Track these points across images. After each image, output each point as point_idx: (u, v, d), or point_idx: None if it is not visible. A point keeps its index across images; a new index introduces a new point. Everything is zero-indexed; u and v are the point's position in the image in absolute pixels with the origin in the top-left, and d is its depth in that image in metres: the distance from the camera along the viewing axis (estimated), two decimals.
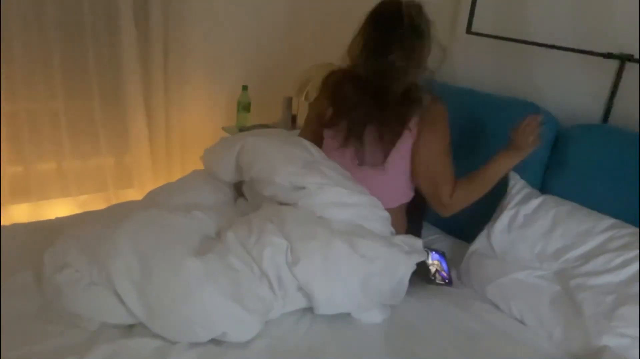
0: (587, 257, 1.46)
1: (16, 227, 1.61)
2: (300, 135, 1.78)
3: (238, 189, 1.72)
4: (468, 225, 1.76)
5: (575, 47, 1.75)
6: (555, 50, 1.80)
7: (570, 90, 1.82)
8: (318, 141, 1.69)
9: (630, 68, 1.66)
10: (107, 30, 2.36)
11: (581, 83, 1.79)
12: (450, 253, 1.79)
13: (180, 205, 1.49)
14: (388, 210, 1.56)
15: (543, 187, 1.74)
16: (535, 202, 1.62)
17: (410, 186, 1.66)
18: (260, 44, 2.83)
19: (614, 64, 1.69)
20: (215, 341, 1.21)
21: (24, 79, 2.23)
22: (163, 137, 2.67)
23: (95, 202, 2.54)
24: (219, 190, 1.66)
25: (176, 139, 2.71)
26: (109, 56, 2.40)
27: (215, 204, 1.60)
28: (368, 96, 1.54)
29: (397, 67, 1.49)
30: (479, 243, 1.65)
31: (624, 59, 1.66)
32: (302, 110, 2.59)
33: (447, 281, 1.60)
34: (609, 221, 1.51)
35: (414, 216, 1.75)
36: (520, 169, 1.73)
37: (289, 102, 2.64)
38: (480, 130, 1.81)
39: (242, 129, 2.59)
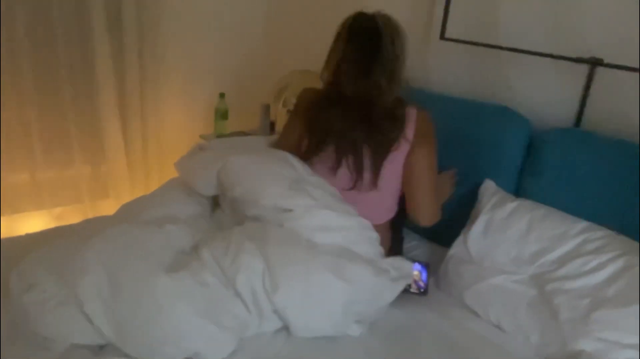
0: (562, 261, 1.46)
1: None
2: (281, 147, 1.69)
3: (216, 198, 1.68)
4: (447, 230, 1.76)
5: (547, 51, 1.77)
6: (527, 55, 1.81)
7: (543, 94, 1.83)
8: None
9: (601, 72, 1.68)
10: (80, 37, 2.32)
11: (554, 88, 1.81)
12: (430, 259, 1.80)
13: (154, 218, 1.46)
14: (376, 226, 1.53)
15: (518, 191, 1.75)
16: (510, 206, 1.62)
17: (397, 201, 1.65)
18: (237, 51, 2.82)
19: (584, 69, 1.71)
20: None
21: None
22: (139, 145, 2.63)
23: (70, 214, 2.50)
24: (195, 201, 1.62)
25: (153, 148, 2.68)
26: (81, 63, 2.36)
27: (192, 216, 1.56)
28: (353, 120, 1.49)
29: (380, 87, 1.47)
30: (456, 248, 1.65)
31: (594, 63, 1.67)
32: (280, 117, 2.57)
33: (422, 290, 1.59)
34: (582, 224, 1.52)
35: (396, 226, 1.74)
36: (495, 173, 1.74)
37: (267, 108, 2.62)
38: (455, 135, 1.81)
39: (220, 137, 2.57)
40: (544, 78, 1.82)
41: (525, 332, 1.41)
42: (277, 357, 1.25)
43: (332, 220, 1.43)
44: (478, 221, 1.63)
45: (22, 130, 2.30)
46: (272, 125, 2.66)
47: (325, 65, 1.54)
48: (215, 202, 1.68)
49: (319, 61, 1.57)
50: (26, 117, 2.29)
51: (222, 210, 1.61)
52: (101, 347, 1.20)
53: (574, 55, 1.71)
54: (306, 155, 1.58)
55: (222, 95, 2.60)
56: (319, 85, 1.60)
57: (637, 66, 1.59)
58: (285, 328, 1.30)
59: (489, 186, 1.72)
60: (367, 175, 1.52)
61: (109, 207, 2.57)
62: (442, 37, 2.05)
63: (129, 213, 1.55)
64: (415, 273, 1.61)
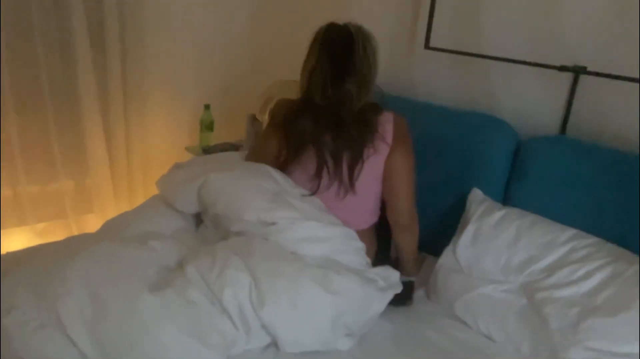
0: (551, 269, 1.46)
1: None
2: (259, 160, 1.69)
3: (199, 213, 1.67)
4: (435, 240, 1.76)
5: (531, 60, 1.77)
6: (512, 64, 1.82)
7: (529, 103, 1.84)
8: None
9: (584, 80, 1.69)
10: (61, 50, 2.28)
11: (538, 96, 1.82)
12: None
13: (138, 235, 1.44)
14: (360, 231, 1.54)
15: (505, 199, 1.75)
16: (497, 215, 1.62)
17: (378, 204, 1.65)
18: (221, 61, 2.80)
19: (568, 77, 1.72)
20: None
21: None
22: (124, 158, 2.59)
23: (54, 230, 2.45)
24: (179, 216, 1.60)
25: (137, 161, 2.64)
26: (63, 76, 2.31)
27: (176, 231, 1.54)
28: (324, 126, 1.51)
29: (351, 95, 1.49)
30: (445, 257, 1.64)
31: (578, 71, 1.69)
32: None
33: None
34: (570, 231, 1.52)
35: (382, 233, 1.73)
36: (482, 182, 1.75)
37: (252, 119, 2.60)
38: (441, 144, 1.82)
39: (205, 149, 2.55)
40: (528, 86, 1.83)
41: (516, 342, 1.41)
42: None
43: (316, 230, 1.42)
44: (466, 230, 1.63)
45: (3, 145, 2.25)
46: (263, 132, 2.64)
47: (301, 72, 1.56)
48: (199, 216, 1.66)
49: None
50: (7, 131, 2.24)
51: (206, 225, 1.59)
52: None
53: (557, 64, 1.72)
54: (285, 164, 1.59)
55: (207, 107, 2.58)
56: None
57: (620, 74, 1.60)
58: (274, 344, 1.28)
59: (476, 195, 1.72)
60: (344, 180, 1.53)
61: (93, 222, 2.53)
62: (427, 46, 2.06)
63: (112, 230, 1.53)
64: None
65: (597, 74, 1.65)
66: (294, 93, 1.66)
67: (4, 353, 1.14)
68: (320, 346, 1.31)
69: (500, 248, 1.55)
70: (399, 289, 1.45)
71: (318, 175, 1.53)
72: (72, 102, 2.37)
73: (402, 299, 1.53)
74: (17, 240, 2.33)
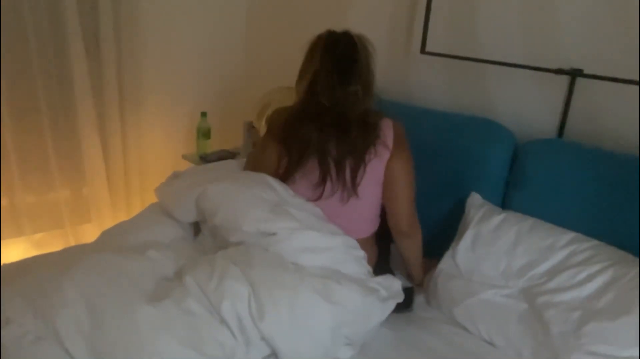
0: (552, 273, 1.46)
1: None
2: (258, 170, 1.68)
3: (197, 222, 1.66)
4: (435, 245, 1.75)
5: (527, 63, 1.78)
6: (508, 67, 1.82)
7: (526, 106, 1.84)
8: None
9: (581, 83, 1.69)
10: (57, 58, 2.28)
11: (535, 99, 1.81)
12: None
13: (135, 244, 1.43)
14: (361, 240, 1.53)
15: (505, 203, 1.75)
16: (497, 219, 1.61)
17: (378, 211, 1.65)
18: (217, 69, 2.80)
19: (565, 79, 1.72)
20: None
21: None
22: (121, 167, 2.59)
23: (51, 240, 2.44)
24: (178, 225, 1.59)
25: (134, 169, 2.63)
26: (59, 85, 2.31)
27: (174, 240, 1.53)
28: (328, 130, 1.50)
29: (357, 95, 1.50)
30: (445, 263, 1.64)
31: (574, 74, 1.68)
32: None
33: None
34: (570, 235, 1.52)
35: (382, 240, 1.73)
36: (481, 186, 1.74)
37: (250, 126, 2.60)
38: (439, 149, 1.81)
39: (202, 156, 2.54)
40: (525, 90, 1.83)
41: (517, 347, 1.40)
42: None
43: (316, 240, 1.41)
44: (465, 235, 1.62)
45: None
46: (254, 144, 2.64)
47: (299, 79, 1.57)
48: (197, 225, 1.65)
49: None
50: (4, 141, 2.24)
51: (204, 234, 1.58)
52: None
53: (554, 67, 1.72)
54: (288, 173, 1.57)
55: (203, 114, 2.57)
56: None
57: (617, 76, 1.59)
58: (274, 355, 1.27)
59: (475, 200, 1.72)
60: (348, 184, 1.52)
61: (90, 232, 2.52)
62: (423, 51, 2.06)
63: (110, 240, 1.51)
64: None
65: (594, 77, 1.65)
66: (290, 100, 1.66)
67: None
68: (320, 356, 1.29)
69: (499, 252, 1.55)
70: (400, 298, 1.45)
71: (322, 182, 1.53)
72: (68, 112, 2.36)
73: (402, 306, 1.52)
74: (14, 251, 2.33)
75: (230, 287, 1.22)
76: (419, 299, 1.65)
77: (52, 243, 2.43)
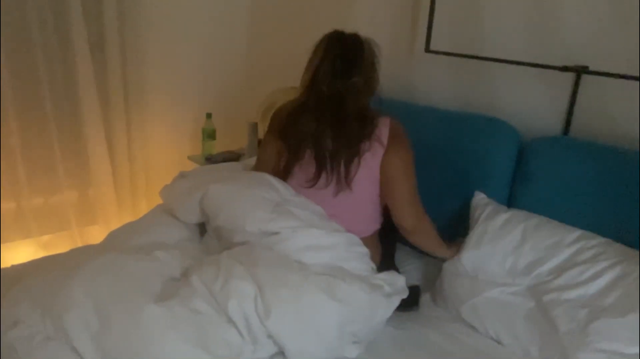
0: (559, 271, 1.45)
1: None
2: (259, 168, 1.70)
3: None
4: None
5: (533, 61, 1.77)
6: (513, 65, 1.82)
7: (531, 104, 1.83)
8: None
9: (586, 80, 1.69)
10: (62, 60, 2.29)
11: (541, 97, 1.81)
12: (424, 273, 1.79)
13: (142, 245, 1.44)
14: (363, 239, 1.53)
15: (510, 201, 1.74)
16: (502, 217, 1.61)
17: (380, 211, 1.65)
18: (222, 70, 2.81)
19: (570, 77, 1.71)
20: None
21: None
22: (127, 169, 2.60)
23: (58, 242, 2.45)
24: (183, 226, 1.60)
25: (140, 171, 2.65)
26: (64, 87, 2.33)
27: (180, 241, 1.54)
28: (325, 120, 1.52)
29: (357, 88, 1.51)
30: (451, 262, 1.63)
31: (579, 71, 1.68)
32: None
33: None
34: (577, 232, 1.51)
35: (386, 239, 1.73)
36: (486, 184, 1.74)
37: (254, 127, 2.60)
38: (444, 147, 1.81)
39: (208, 158, 2.55)
40: (530, 87, 1.82)
41: (525, 345, 1.39)
42: None
43: (319, 238, 1.42)
44: (471, 234, 1.62)
45: (6, 158, 2.26)
46: (260, 143, 2.64)
47: (303, 75, 1.58)
48: (203, 226, 1.65)
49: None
50: (10, 144, 2.25)
51: (210, 235, 1.58)
52: None
53: (559, 64, 1.71)
54: (287, 167, 1.59)
55: (208, 116, 2.58)
56: None
57: (622, 73, 1.59)
58: (281, 353, 1.27)
59: (480, 198, 1.71)
60: (341, 176, 1.53)
61: (97, 233, 2.53)
62: (427, 49, 2.05)
63: (116, 241, 1.52)
64: None
65: (599, 73, 1.64)
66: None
67: None
68: (327, 354, 1.29)
69: (506, 250, 1.54)
70: (405, 294, 1.44)
71: (318, 173, 1.53)
72: (74, 114, 2.38)
73: (408, 305, 1.52)
74: (21, 253, 2.34)
75: (236, 286, 1.23)
76: (425, 297, 1.64)
77: (59, 245, 2.44)
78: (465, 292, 1.54)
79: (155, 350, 1.11)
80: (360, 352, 1.34)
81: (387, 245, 1.74)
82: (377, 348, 1.37)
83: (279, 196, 1.51)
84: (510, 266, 1.52)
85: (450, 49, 2.00)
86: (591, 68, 1.66)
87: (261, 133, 2.63)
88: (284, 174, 1.60)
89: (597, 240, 1.48)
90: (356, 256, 1.46)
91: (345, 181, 1.53)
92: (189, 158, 2.66)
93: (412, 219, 1.59)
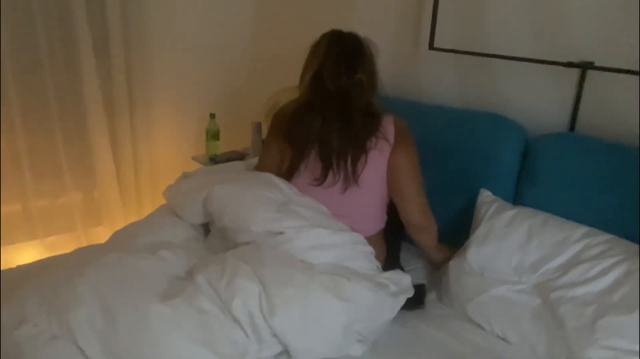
0: (565, 268, 1.44)
1: None
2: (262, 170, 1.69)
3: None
4: (447, 241, 1.75)
5: (537, 57, 1.76)
6: (518, 62, 1.81)
7: (536, 101, 1.82)
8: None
9: (592, 75, 1.68)
10: (67, 63, 2.30)
11: (546, 93, 1.80)
12: (430, 271, 1.78)
13: (147, 244, 1.44)
14: (368, 238, 1.53)
15: (517, 198, 1.73)
16: (508, 214, 1.60)
17: (384, 209, 1.65)
18: (225, 70, 2.81)
19: (575, 72, 1.70)
20: None
21: None
22: (131, 170, 2.61)
23: (63, 243, 2.46)
24: (188, 225, 1.60)
25: (145, 172, 2.65)
26: (69, 90, 2.34)
27: (185, 240, 1.54)
28: (331, 118, 1.52)
29: (362, 85, 1.53)
30: (457, 260, 1.62)
31: (585, 67, 1.67)
32: None
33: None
34: (583, 229, 1.50)
35: (391, 238, 1.73)
36: (492, 182, 1.73)
37: (258, 127, 2.60)
38: (450, 145, 1.81)
39: (212, 158, 2.55)
40: (535, 84, 1.82)
41: (531, 343, 1.39)
42: None
43: (324, 238, 1.42)
44: (477, 231, 1.61)
45: (12, 160, 2.27)
46: (264, 143, 2.64)
47: (303, 74, 1.60)
48: (207, 225, 1.65)
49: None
50: (16, 146, 2.26)
51: (214, 236, 1.59)
52: None
53: (564, 60, 1.70)
54: (292, 164, 1.59)
55: (212, 116, 2.58)
56: None
57: (628, 68, 1.58)
58: (286, 352, 1.27)
59: (486, 196, 1.71)
60: (349, 171, 1.53)
61: (102, 234, 2.54)
62: (431, 47, 2.05)
63: (121, 240, 1.52)
64: None
65: (605, 69, 1.63)
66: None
67: None
68: (332, 353, 1.29)
69: (512, 248, 1.53)
70: (410, 293, 1.44)
71: (324, 170, 1.54)
72: (79, 116, 2.39)
73: (414, 303, 1.52)
74: (27, 254, 2.35)
75: (241, 285, 1.23)
76: (431, 296, 1.64)
77: (64, 246, 2.44)
78: (471, 290, 1.54)
79: (161, 349, 1.11)
80: (366, 351, 1.34)
81: (392, 245, 1.73)
82: (383, 347, 1.37)
83: (284, 196, 1.51)
84: (517, 263, 1.51)
85: (455, 46, 1.99)
86: (597, 64, 1.65)
87: (265, 132, 2.63)
88: (289, 174, 1.60)
89: (604, 237, 1.47)
90: (361, 255, 1.46)
91: (352, 178, 1.53)
92: (193, 158, 2.66)
93: (420, 215, 1.60)
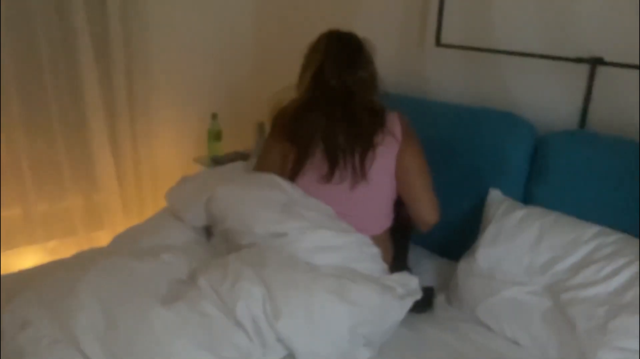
0: (576, 269, 1.42)
1: None
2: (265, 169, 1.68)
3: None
4: (455, 243, 1.73)
5: (546, 53, 1.74)
6: (526, 58, 1.79)
7: (546, 97, 1.80)
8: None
9: (602, 71, 1.65)
10: (66, 65, 2.28)
11: (555, 90, 1.78)
12: (438, 273, 1.76)
13: (148, 248, 1.44)
14: (375, 237, 1.52)
15: (526, 197, 1.71)
16: (518, 214, 1.57)
17: (391, 207, 1.64)
18: (227, 70, 2.80)
19: (585, 68, 1.68)
20: None
21: None
22: (132, 173, 2.59)
23: (65, 247, 2.44)
24: (190, 229, 1.59)
25: (146, 174, 2.63)
26: (69, 92, 2.32)
27: (187, 243, 1.53)
28: (335, 116, 1.51)
29: (364, 82, 1.54)
30: (466, 261, 1.60)
31: (594, 62, 1.65)
32: None
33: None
34: (594, 228, 1.48)
35: (399, 239, 1.71)
36: (502, 181, 1.71)
37: (261, 127, 2.59)
38: (458, 143, 1.78)
39: (214, 159, 2.53)
40: (544, 80, 1.80)
41: (543, 345, 1.37)
42: None
43: (329, 239, 1.41)
44: (486, 232, 1.58)
45: (11, 164, 2.26)
46: (264, 144, 2.62)
47: (302, 74, 1.61)
48: (209, 228, 1.64)
49: None
50: (16, 150, 2.25)
51: (216, 238, 1.57)
52: None
53: (573, 56, 1.68)
54: (297, 164, 1.57)
55: (214, 116, 2.56)
56: None
57: (638, 63, 1.56)
58: (291, 356, 1.25)
59: (495, 196, 1.68)
60: (357, 167, 1.52)
61: (103, 238, 2.51)
62: (438, 43, 2.03)
63: (122, 243, 1.53)
64: None
65: (615, 64, 1.61)
66: None
67: None
68: (338, 357, 1.28)
69: (522, 248, 1.51)
70: (418, 296, 1.42)
71: (332, 168, 1.52)
72: (79, 119, 2.37)
73: (422, 306, 1.50)
74: (28, 259, 2.34)
75: (244, 288, 1.21)
76: (439, 298, 1.62)
77: (65, 250, 2.42)
78: (480, 292, 1.52)
79: (163, 353, 1.10)
80: (373, 355, 1.32)
81: (400, 247, 1.72)
82: (391, 350, 1.35)
83: (287, 197, 1.50)
84: (527, 264, 1.49)
85: (462, 42, 1.97)
86: (606, 59, 1.63)
87: (267, 133, 2.61)
88: (294, 173, 1.58)
89: (616, 236, 1.45)
90: (367, 257, 1.45)
91: (361, 174, 1.52)
92: (195, 160, 2.64)
93: (431, 210, 1.60)
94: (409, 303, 1.37)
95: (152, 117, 2.58)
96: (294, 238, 1.38)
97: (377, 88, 1.59)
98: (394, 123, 1.55)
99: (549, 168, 1.63)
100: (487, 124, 1.75)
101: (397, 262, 1.66)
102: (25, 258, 2.34)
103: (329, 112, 1.52)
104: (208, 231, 1.62)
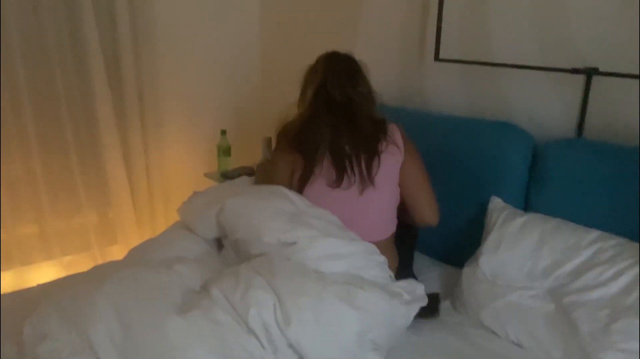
0: (578, 272, 1.44)
1: None
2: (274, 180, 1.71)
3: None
4: (459, 250, 1.76)
5: (542, 64, 1.78)
6: (523, 70, 1.82)
7: (543, 108, 1.83)
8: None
9: (598, 81, 1.68)
10: (79, 84, 2.35)
11: (552, 100, 1.81)
12: (443, 280, 1.79)
13: (163, 260, 1.46)
14: (380, 242, 1.55)
15: (526, 205, 1.74)
16: (519, 221, 1.60)
17: (395, 212, 1.68)
18: (235, 88, 2.85)
19: (581, 79, 1.71)
20: None
21: None
22: (145, 188, 2.64)
23: (80, 262, 2.49)
24: (202, 240, 1.63)
25: (158, 190, 2.69)
26: (82, 110, 2.38)
27: (199, 255, 1.56)
28: (340, 126, 1.58)
29: (365, 96, 1.63)
30: (469, 268, 1.63)
31: (590, 72, 1.68)
32: None
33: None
34: (594, 233, 1.50)
35: (404, 247, 1.74)
36: (502, 190, 1.74)
37: (268, 142, 2.63)
38: (458, 154, 1.82)
39: (224, 174, 2.58)
40: (541, 91, 1.83)
41: (546, 349, 1.39)
42: None
43: (336, 247, 1.43)
44: (489, 239, 1.62)
45: (27, 182, 2.32)
46: (271, 159, 2.67)
47: (302, 93, 1.69)
48: (221, 240, 1.68)
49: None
50: (31, 168, 2.31)
51: (227, 250, 1.61)
52: None
53: (569, 66, 1.71)
54: (305, 174, 1.61)
55: (223, 132, 2.61)
56: None
57: (633, 72, 1.59)
58: None
59: (496, 204, 1.71)
60: (364, 173, 1.58)
61: (118, 253, 2.56)
62: (437, 58, 2.07)
63: (137, 256, 1.55)
64: None
65: (610, 74, 1.64)
66: None
67: None
68: None
69: (524, 254, 1.54)
70: (424, 302, 1.44)
71: (340, 175, 1.58)
72: (92, 137, 2.43)
73: (428, 312, 1.52)
74: (45, 274, 2.38)
75: (255, 296, 1.24)
76: (445, 304, 1.64)
77: (81, 265, 2.47)
78: (484, 297, 1.54)
79: None
80: None
81: (405, 254, 1.74)
82: (398, 355, 1.37)
83: (295, 207, 1.53)
84: (529, 269, 1.51)
85: (460, 56, 2.01)
86: (601, 69, 1.66)
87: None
88: (302, 182, 1.62)
89: (615, 241, 1.47)
90: (374, 265, 1.47)
91: (368, 179, 1.57)
92: (206, 175, 2.69)
93: (434, 214, 1.68)
94: (415, 308, 1.40)
95: (164, 134, 2.64)
96: (302, 246, 1.41)
97: (376, 102, 1.67)
98: (395, 132, 1.62)
99: (547, 177, 1.66)
100: (486, 135, 1.78)
101: (403, 270, 1.69)
102: (42, 274, 2.39)
103: (333, 122, 1.58)
104: (219, 243, 1.66)
